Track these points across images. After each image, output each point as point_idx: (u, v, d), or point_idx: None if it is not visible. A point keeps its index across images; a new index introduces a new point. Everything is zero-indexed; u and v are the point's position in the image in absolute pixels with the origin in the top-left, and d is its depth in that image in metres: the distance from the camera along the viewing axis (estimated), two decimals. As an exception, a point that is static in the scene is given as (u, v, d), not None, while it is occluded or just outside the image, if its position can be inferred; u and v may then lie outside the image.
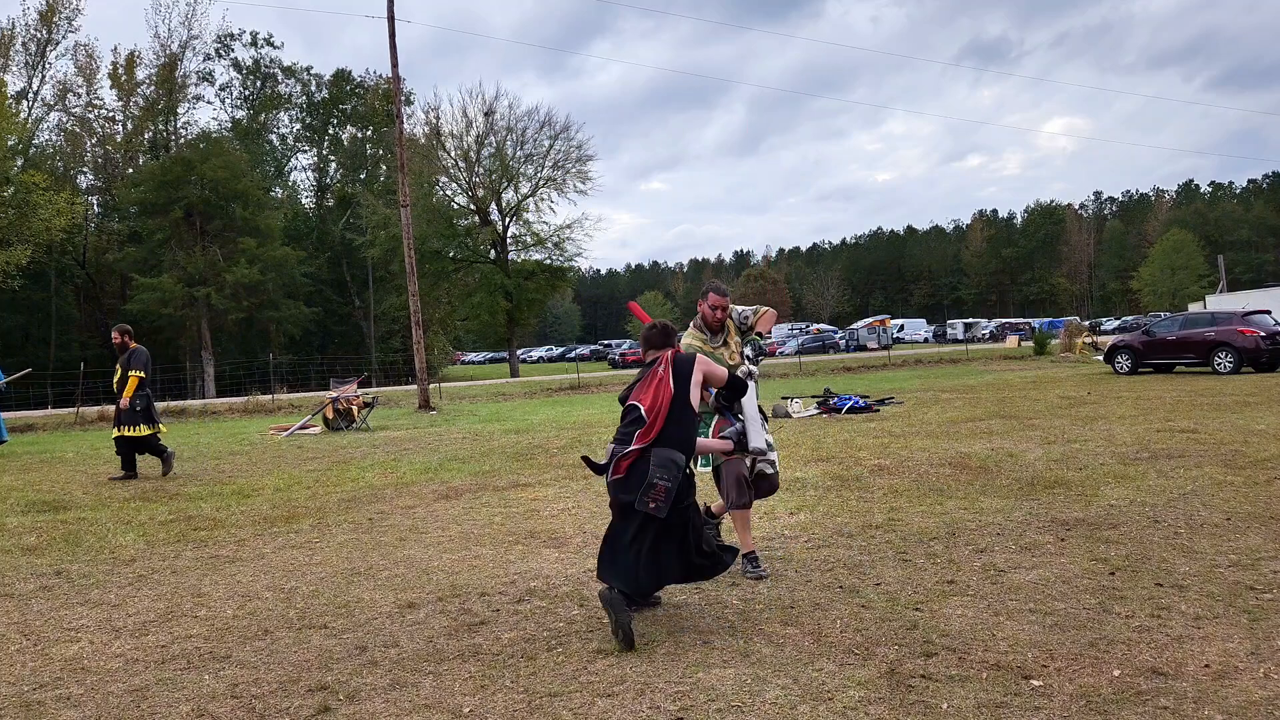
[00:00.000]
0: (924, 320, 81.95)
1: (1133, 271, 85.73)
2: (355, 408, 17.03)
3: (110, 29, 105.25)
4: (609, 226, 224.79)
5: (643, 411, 4.14)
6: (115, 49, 61.04)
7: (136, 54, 52.67)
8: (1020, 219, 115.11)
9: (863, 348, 52.90)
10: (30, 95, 48.96)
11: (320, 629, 4.34)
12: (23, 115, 45.78)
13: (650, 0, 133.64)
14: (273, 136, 61.43)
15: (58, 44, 49.94)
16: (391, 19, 22.13)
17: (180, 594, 5.16)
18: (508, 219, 49.46)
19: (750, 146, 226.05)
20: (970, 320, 72.80)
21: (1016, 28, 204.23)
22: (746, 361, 5.00)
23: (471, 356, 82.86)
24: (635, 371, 5.70)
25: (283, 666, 3.82)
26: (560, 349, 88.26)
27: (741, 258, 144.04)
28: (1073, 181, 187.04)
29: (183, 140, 52.36)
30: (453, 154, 49.15)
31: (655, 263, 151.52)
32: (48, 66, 50.09)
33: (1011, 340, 43.28)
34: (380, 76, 57.95)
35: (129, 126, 53.42)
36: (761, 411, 4.91)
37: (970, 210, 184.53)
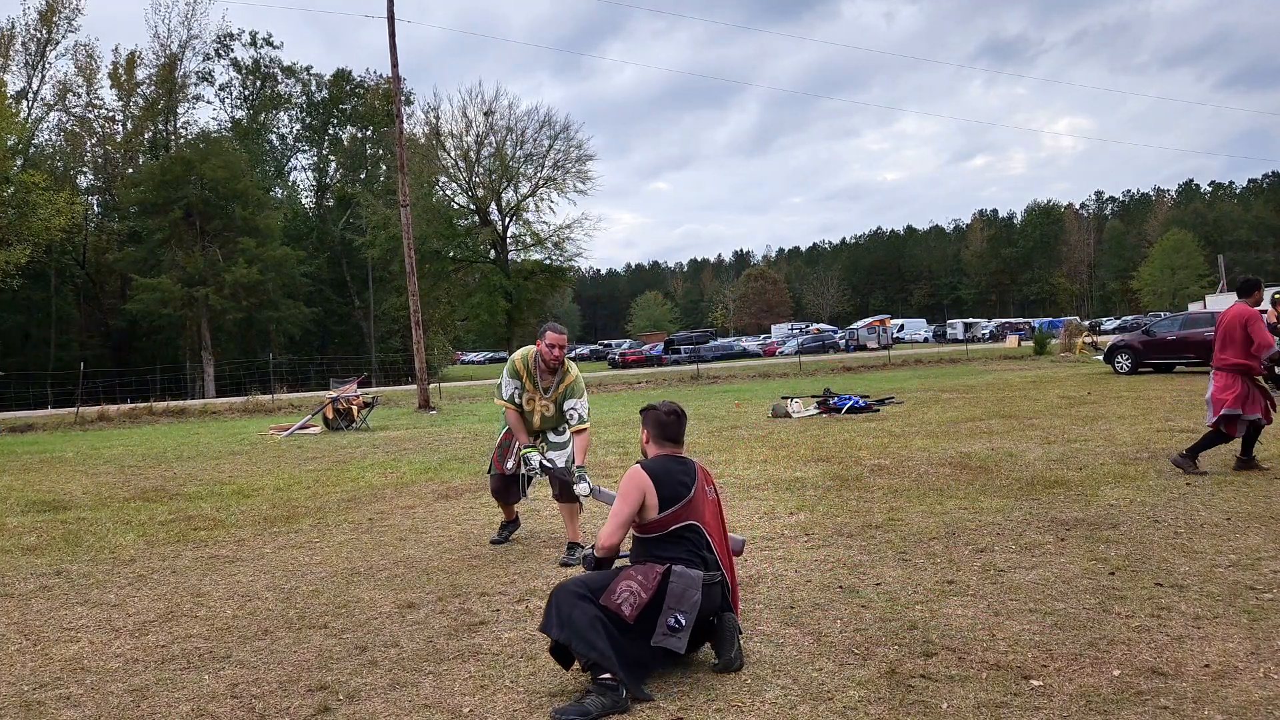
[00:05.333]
0: (924, 320, 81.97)
1: (1133, 271, 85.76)
2: (355, 408, 17.03)
3: (110, 29, 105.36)
4: (610, 226, 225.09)
5: (709, 538, 3.71)
6: (115, 49, 61.05)
7: (137, 54, 52.70)
8: (1020, 219, 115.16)
9: (863, 348, 52.92)
10: (30, 95, 48.99)
11: (320, 629, 4.34)
12: (23, 115, 45.77)
13: (664, 1, 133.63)
14: (272, 136, 61.47)
15: (58, 44, 50.05)
16: (391, 19, 22.13)
17: (180, 594, 5.16)
18: (507, 219, 49.47)
19: (761, 146, 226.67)
20: (970, 320, 72.77)
21: (1036, 26, 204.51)
22: (544, 446, 5.56)
23: (471, 356, 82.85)
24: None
25: (283, 666, 3.82)
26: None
27: (742, 258, 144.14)
28: (1078, 181, 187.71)
29: (182, 140, 52.37)
30: (453, 154, 49.16)
31: (655, 263, 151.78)
32: (48, 66, 50.17)
33: (1011, 340, 43.28)
34: (381, 76, 57.98)
35: (129, 126, 53.45)
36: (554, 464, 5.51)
37: (973, 210, 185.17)
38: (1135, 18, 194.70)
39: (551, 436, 5.76)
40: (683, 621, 3.45)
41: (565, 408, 5.50)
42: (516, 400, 5.61)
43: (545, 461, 5.41)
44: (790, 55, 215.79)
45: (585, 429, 5.52)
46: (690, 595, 3.48)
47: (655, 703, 3.24)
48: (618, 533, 3.70)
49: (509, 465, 5.80)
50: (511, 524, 6.22)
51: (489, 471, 6.01)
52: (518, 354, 5.63)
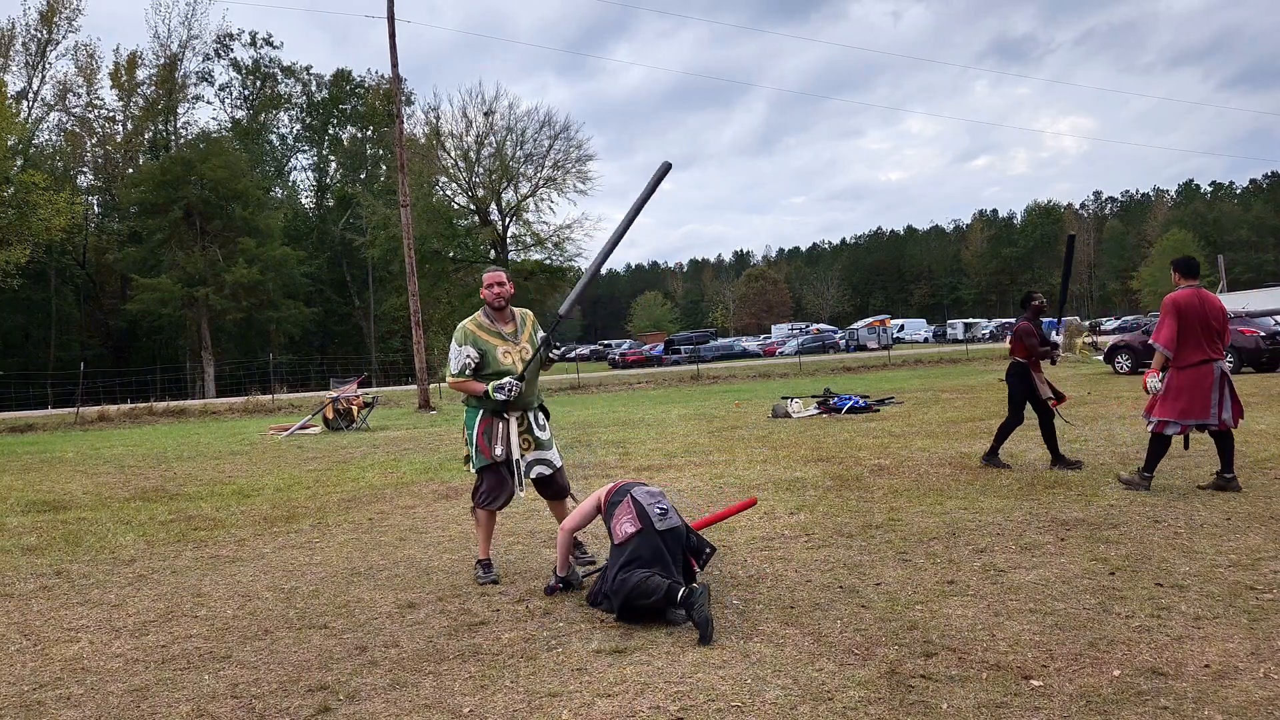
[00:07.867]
0: (924, 320, 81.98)
1: (1133, 271, 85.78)
2: (355, 408, 17.03)
3: (110, 29, 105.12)
4: (611, 226, 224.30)
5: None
6: (116, 49, 61.10)
7: (137, 54, 52.75)
8: (1020, 219, 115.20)
9: (863, 348, 52.95)
10: (30, 95, 49.04)
11: (320, 629, 4.34)
12: (23, 115, 45.80)
13: (669, 2, 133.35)
14: (272, 136, 61.54)
15: (58, 44, 50.12)
16: (391, 19, 22.14)
17: (180, 594, 5.16)
18: (507, 219, 49.52)
19: (766, 146, 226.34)
20: (970, 320, 72.76)
21: (1043, 26, 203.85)
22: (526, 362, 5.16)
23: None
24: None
25: (283, 666, 3.82)
26: (560, 349, 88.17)
27: (742, 258, 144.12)
28: (1080, 181, 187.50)
29: (183, 140, 52.42)
30: (453, 154, 49.19)
31: (655, 263, 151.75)
32: (48, 66, 50.22)
33: (1011, 340, 43.22)
34: (382, 76, 58.04)
35: (129, 126, 53.50)
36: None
37: (974, 210, 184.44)
38: (1142, 17, 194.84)
39: (537, 431, 5.26)
40: (665, 505, 4.52)
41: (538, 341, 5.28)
42: (469, 373, 5.16)
43: (518, 382, 5.04)
44: (796, 56, 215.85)
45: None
46: (651, 489, 4.64)
47: (656, 703, 3.24)
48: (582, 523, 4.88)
49: (498, 451, 5.09)
50: (488, 563, 5.23)
51: (477, 468, 5.17)
52: (462, 323, 5.29)
